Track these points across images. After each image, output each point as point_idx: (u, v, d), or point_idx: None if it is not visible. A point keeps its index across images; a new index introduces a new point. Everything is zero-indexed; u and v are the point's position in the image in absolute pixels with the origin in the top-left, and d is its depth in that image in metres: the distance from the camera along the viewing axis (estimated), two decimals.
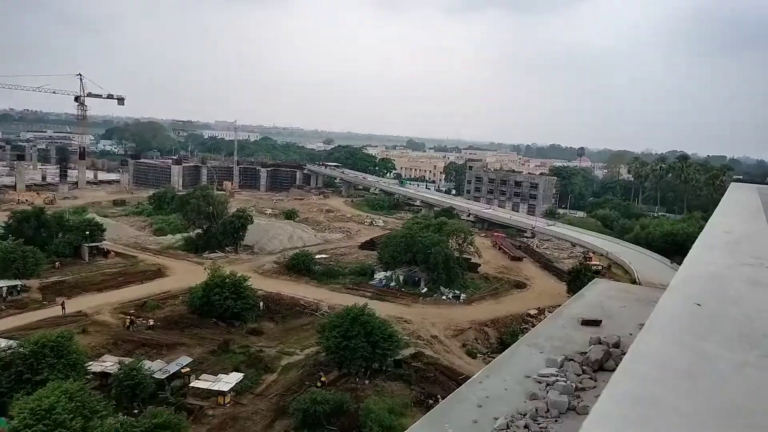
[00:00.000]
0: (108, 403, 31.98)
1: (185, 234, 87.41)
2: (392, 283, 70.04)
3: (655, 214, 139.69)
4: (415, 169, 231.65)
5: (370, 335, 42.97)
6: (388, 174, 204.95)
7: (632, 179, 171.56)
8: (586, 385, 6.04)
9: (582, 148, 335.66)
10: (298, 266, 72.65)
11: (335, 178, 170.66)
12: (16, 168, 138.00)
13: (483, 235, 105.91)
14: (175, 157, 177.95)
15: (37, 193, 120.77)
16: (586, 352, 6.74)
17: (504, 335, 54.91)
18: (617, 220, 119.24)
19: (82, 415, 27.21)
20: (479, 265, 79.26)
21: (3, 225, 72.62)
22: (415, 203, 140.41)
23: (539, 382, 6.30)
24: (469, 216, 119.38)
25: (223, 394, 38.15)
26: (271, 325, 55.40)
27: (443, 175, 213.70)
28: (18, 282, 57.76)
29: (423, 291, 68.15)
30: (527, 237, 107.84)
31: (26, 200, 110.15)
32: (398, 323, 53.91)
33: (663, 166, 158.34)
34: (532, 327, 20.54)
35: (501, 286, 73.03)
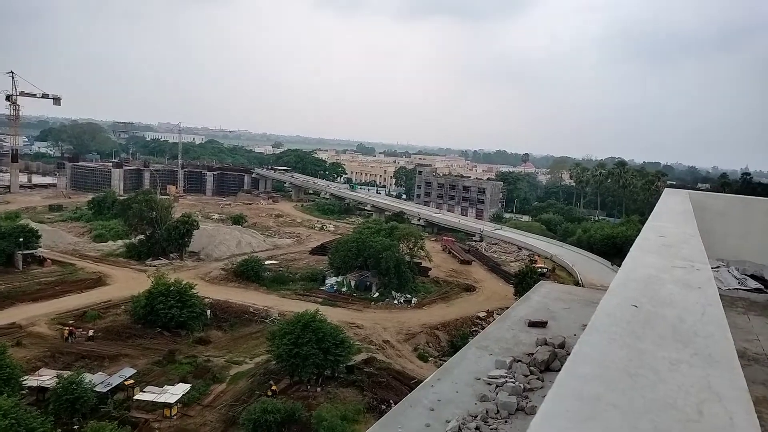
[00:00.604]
0: (46, 419, 30.49)
1: (127, 240, 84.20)
2: (344, 289, 69.84)
3: (596, 218, 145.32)
4: (366, 174, 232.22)
5: (322, 342, 42.68)
6: (338, 178, 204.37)
7: (574, 184, 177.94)
8: (534, 385, 6.26)
9: (527, 154, 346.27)
10: (247, 272, 71.31)
11: (284, 183, 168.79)
12: None
13: (433, 239, 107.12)
14: (116, 160, 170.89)
15: None
16: (533, 353, 6.99)
17: (454, 338, 55.75)
18: (560, 224, 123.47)
19: None
20: (430, 269, 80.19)
21: None
22: (366, 208, 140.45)
23: (489, 384, 6.48)
24: (419, 220, 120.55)
25: (169, 406, 36.94)
26: (219, 333, 54.14)
27: (393, 180, 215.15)
28: None
29: (375, 296, 68.29)
30: (476, 241, 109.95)
31: None
32: (350, 329, 53.80)
33: (603, 171, 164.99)
34: (482, 329, 20.99)
35: (451, 290, 74.11)
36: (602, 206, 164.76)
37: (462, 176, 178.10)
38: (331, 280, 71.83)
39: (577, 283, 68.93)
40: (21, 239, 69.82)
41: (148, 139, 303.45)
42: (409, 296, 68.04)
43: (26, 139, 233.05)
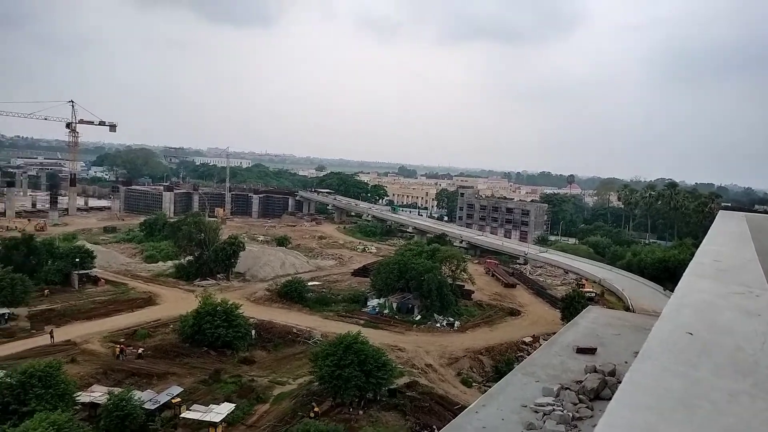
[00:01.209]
0: None
1: (176, 261, 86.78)
2: (385, 311, 69.61)
3: (647, 241, 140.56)
4: (407, 196, 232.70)
5: (364, 364, 42.52)
6: (380, 201, 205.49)
7: (622, 206, 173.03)
8: (583, 414, 6.08)
9: (572, 176, 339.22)
10: (291, 293, 72.16)
11: (327, 205, 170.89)
12: (5, 195, 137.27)
13: (476, 261, 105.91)
14: (167, 184, 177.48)
15: (28, 220, 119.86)
16: (582, 381, 6.79)
17: (499, 363, 54.52)
18: (609, 247, 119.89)
19: None
20: (473, 291, 79.11)
21: None
22: (408, 230, 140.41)
23: (536, 412, 6.33)
24: (461, 242, 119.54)
25: (214, 425, 37.38)
26: (263, 353, 54.73)
27: (435, 202, 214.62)
28: (6, 310, 56.86)
29: (417, 318, 67.75)
30: (520, 264, 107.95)
31: (16, 227, 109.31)
32: (392, 351, 53.40)
33: (652, 193, 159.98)
34: (527, 355, 20.50)
35: (495, 314, 72.78)
36: (652, 229, 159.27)
37: (505, 198, 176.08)
38: (373, 302, 71.75)
39: (627, 309, 66.54)
40: (77, 259, 73.12)
41: (197, 163, 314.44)
42: (451, 319, 67.18)
43: (84, 165, 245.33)
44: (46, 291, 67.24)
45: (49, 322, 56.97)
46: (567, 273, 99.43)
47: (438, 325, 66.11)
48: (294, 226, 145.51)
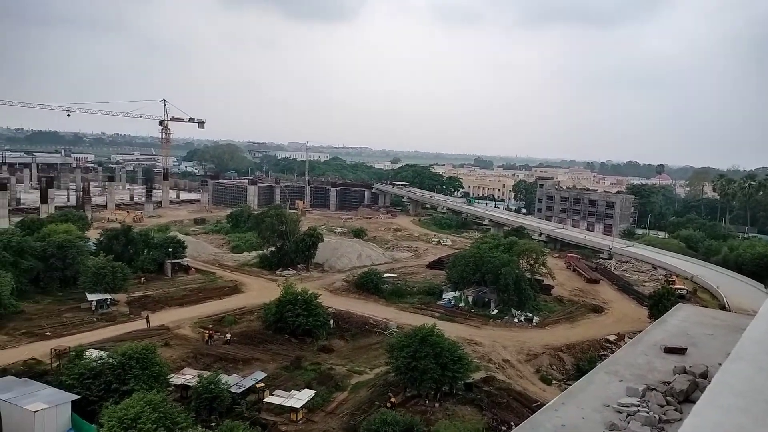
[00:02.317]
0: (188, 415, 33.45)
1: (260, 251, 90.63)
2: (461, 304, 69.17)
3: (745, 235, 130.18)
4: (483, 188, 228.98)
5: (440, 357, 42.54)
6: (455, 193, 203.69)
7: (718, 198, 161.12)
8: (671, 417, 5.81)
9: (661, 165, 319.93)
10: (367, 285, 73.41)
11: (403, 197, 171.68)
12: (106, 188, 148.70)
13: (556, 255, 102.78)
14: (251, 178, 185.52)
15: (127, 212, 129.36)
16: (670, 382, 6.49)
17: (580, 361, 52.71)
18: (702, 241, 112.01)
19: (165, 425, 28.60)
20: (552, 287, 76.86)
21: (95, 242, 78.25)
22: (484, 222, 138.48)
23: (619, 412, 6.13)
24: (540, 236, 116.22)
25: (295, 410, 38.87)
26: (341, 342, 56.12)
27: (512, 194, 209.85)
28: (108, 296, 61.83)
29: (493, 312, 66.81)
30: (604, 258, 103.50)
31: (116, 218, 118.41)
32: (468, 345, 53.10)
33: (753, 183, 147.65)
34: (611, 354, 19.70)
35: (576, 310, 70.43)
36: (752, 222, 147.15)
37: (588, 189, 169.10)
38: (448, 295, 71.49)
39: (722, 308, 62.04)
40: (170, 249, 78.18)
41: (279, 157, 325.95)
42: (530, 315, 65.65)
43: (175, 160, 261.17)
44: (142, 278, 72.47)
45: (146, 307, 61.39)
46: (655, 269, 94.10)
47: (516, 320, 64.83)
48: (370, 218, 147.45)
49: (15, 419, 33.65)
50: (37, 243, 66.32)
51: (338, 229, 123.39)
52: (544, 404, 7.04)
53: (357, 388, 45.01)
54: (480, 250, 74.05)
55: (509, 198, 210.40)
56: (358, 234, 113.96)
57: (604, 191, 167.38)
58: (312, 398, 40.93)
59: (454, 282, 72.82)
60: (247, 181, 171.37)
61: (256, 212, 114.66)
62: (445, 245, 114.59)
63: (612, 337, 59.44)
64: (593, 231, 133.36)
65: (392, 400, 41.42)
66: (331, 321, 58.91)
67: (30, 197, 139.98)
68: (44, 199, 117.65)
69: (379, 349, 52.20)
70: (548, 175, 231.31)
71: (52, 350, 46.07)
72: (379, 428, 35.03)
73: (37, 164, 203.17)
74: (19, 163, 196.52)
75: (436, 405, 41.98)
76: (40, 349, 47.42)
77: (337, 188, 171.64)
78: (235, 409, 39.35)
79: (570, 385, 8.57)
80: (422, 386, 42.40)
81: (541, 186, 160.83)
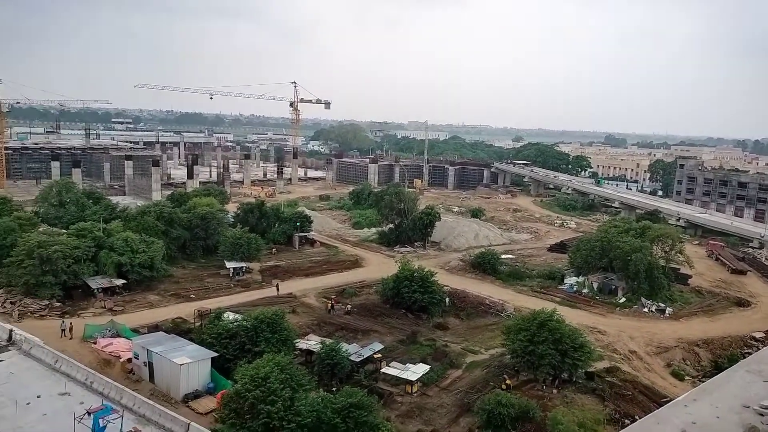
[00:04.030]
0: (311, 378, 35.75)
1: (379, 228, 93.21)
2: (584, 290, 66.00)
3: None
4: (614, 168, 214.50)
5: (559, 342, 41.14)
6: (582, 173, 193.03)
7: None
8: None
9: None
10: (484, 265, 72.62)
11: (524, 177, 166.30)
12: (243, 166, 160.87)
13: (696, 243, 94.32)
14: (372, 156, 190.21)
15: (261, 188, 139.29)
16: None
17: (719, 358, 48.23)
18: None
19: (291, 386, 30.79)
20: (690, 276, 70.59)
21: (233, 215, 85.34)
22: (613, 204, 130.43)
23: (761, 414, 5.59)
24: (678, 220, 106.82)
25: (410, 383, 39.90)
26: (456, 321, 56.33)
27: (647, 175, 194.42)
28: (243, 264, 67.51)
29: (620, 301, 62.99)
30: (753, 248, 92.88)
31: (251, 193, 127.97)
32: (591, 333, 50.83)
33: None
34: (756, 351, 17.80)
35: (717, 302, 64.29)
36: None
37: (737, 170, 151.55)
38: (570, 280, 68.54)
39: None
40: (298, 223, 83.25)
41: (399, 136, 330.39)
42: (662, 305, 60.94)
43: (303, 139, 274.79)
44: (273, 249, 77.98)
45: (276, 276, 66.12)
46: None
47: (646, 309, 60.56)
48: (488, 198, 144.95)
49: (165, 370, 38.26)
50: (184, 214, 73.79)
51: (456, 209, 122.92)
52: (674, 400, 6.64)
53: (472, 367, 45.04)
54: (608, 235, 69.72)
55: (643, 179, 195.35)
56: (476, 214, 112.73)
57: (758, 173, 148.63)
58: (427, 373, 41.72)
59: (577, 267, 69.65)
60: (368, 160, 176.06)
61: (376, 190, 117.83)
62: (569, 228, 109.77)
63: (759, 335, 53.55)
64: (741, 217, 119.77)
65: (507, 382, 40.93)
66: (447, 299, 59.24)
67: (178, 173, 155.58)
68: (190, 175, 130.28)
69: (494, 330, 51.69)
70: (690, 154, 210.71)
71: (196, 311, 51.52)
72: (494, 408, 34.87)
73: (184, 143, 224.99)
74: (170, 142, 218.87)
75: (554, 391, 40.76)
76: (186, 310, 53.21)
77: (456, 167, 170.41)
78: (354, 377, 41.26)
79: (704, 382, 7.96)
80: (539, 371, 41.37)
81: (682, 166, 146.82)
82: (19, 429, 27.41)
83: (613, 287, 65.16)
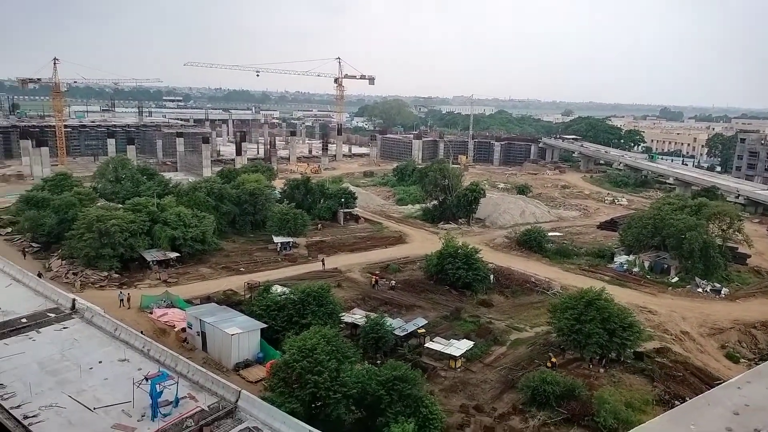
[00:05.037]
0: (356, 350, 36.42)
1: (423, 204, 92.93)
2: (635, 269, 64.22)
3: None
4: (669, 142, 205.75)
5: (607, 322, 40.39)
6: (635, 147, 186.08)
7: None
8: None
9: None
10: (530, 242, 71.58)
11: (573, 152, 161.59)
12: (289, 142, 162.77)
13: (756, 221, 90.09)
14: (416, 132, 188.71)
15: (307, 164, 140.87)
16: None
17: None
18: None
19: (336, 358, 31.48)
20: (749, 256, 67.59)
21: (280, 191, 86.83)
22: (668, 181, 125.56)
23: None
24: (737, 197, 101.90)
25: (454, 358, 40.14)
26: (500, 298, 55.97)
27: (705, 149, 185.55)
28: (290, 239, 68.84)
29: (673, 280, 61.03)
30: None
31: (297, 170, 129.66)
32: (641, 313, 49.71)
33: None
34: None
35: None
36: None
37: None
38: (620, 258, 66.76)
39: None
40: (343, 200, 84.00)
41: (443, 112, 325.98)
42: (718, 285, 58.70)
43: (348, 116, 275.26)
44: (319, 225, 79.12)
45: (321, 251, 67.22)
46: None
47: (700, 290, 58.50)
48: (535, 174, 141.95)
49: (217, 339, 39.79)
50: (233, 190, 75.60)
51: (501, 185, 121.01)
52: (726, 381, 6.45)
53: (516, 345, 44.84)
54: (661, 212, 67.31)
55: (700, 154, 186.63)
56: (522, 190, 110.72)
57: None
58: (470, 349, 41.81)
59: (628, 245, 67.76)
60: (412, 136, 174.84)
61: (420, 166, 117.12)
62: (620, 205, 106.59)
63: None
64: None
65: (553, 360, 40.60)
66: (491, 276, 58.83)
67: (227, 150, 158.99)
68: (239, 152, 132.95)
69: (540, 308, 51.19)
70: (752, 128, 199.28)
71: (245, 283, 53.13)
72: (538, 386, 34.76)
73: (233, 120, 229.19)
74: (218, 120, 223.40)
75: (601, 371, 40.17)
76: (236, 282, 54.94)
77: (502, 143, 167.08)
78: (398, 350, 41.84)
79: (760, 365, 7.66)
80: (586, 350, 40.78)
81: (743, 140, 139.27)
82: (83, 392, 29.18)
83: (666, 266, 63.11)
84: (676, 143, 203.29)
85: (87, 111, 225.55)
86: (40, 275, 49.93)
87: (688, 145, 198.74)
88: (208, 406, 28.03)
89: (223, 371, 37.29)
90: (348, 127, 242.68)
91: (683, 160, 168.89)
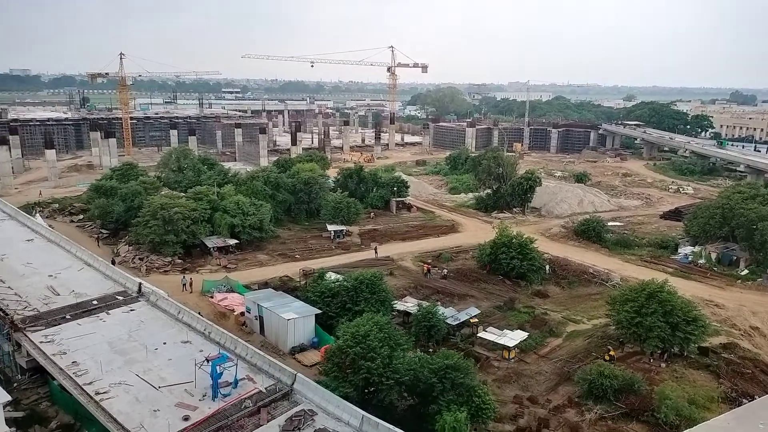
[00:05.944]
0: (409, 338, 36.61)
1: (476, 193, 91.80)
2: (701, 260, 61.30)
3: None
4: (741, 127, 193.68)
5: (670, 315, 38.80)
6: (702, 133, 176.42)
7: None
8: None
9: None
10: (588, 232, 69.53)
11: (635, 139, 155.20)
12: (342, 132, 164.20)
13: None
14: (470, 120, 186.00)
15: (360, 153, 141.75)
16: None
17: None
18: None
19: (389, 345, 31.76)
20: None
21: (333, 180, 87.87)
22: (738, 168, 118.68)
23: None
24: None
25: (508, 349, 39.64)
26: (556, 289, 54.75)
27: None
28: (343, 227, 69.73)
29: (743, 273, 57.90)
30: None
31: (350, 159, 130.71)
32: (706, 306, 47.56)
33: None
34: None
35: None
36: None
37: None
38: (685, 249, 63.86)
39: None
40: (395, 188, 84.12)
41: (498, 99, 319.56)
42: None
43: (400, 104, 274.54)
44: (371, 214, 79.67)
45: (374, 239, 67.65)
46: None
47: None
48: (595, 161, 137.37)
49: (273, 324, 40.92)
50: (289, 179, 77.14)
51: (558, 173, 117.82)
52: None
53: (572, 337, 43.80)
54: (731, 201, 63.75)
55: None
56: (581, 179, 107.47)
57: None
58: (525, 340, 41.19)
59: (693, 235, 64.72)
60: (465, 124, 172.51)
61: (473, 155, 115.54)
62: (685, 194, 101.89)
63: None
64: None
65: (611, 353, 39.41)
66: (547, 267, 57.56)
67: (283, 140, 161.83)
68: (294, 141, 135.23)
69: (598, 300, 49.78)
70: None
71: (301, 270, 54.27)
72: (595, 379, 33.90)
73: (288, 110, 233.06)
74: (275, 110, 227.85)
75: (663, 365, 38.69)
76: (291, 269, 56.23)
77: (559, 129, 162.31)
78: (451, 339, 41.74)
79: None
80: (647, 344, 39.37)
81: None
82: (149, 371, 30.78)
83: (734, 258, 59.92)
84: (748, 128, 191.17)
85: (151, 103, 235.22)
86: (113, 262, 52.93)
87: (762, 130, 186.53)
88: (266, 388, 28.96)
89: (280, 354, 38.35)
90: (400, 115, 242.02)
91: (755, 146, 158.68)
